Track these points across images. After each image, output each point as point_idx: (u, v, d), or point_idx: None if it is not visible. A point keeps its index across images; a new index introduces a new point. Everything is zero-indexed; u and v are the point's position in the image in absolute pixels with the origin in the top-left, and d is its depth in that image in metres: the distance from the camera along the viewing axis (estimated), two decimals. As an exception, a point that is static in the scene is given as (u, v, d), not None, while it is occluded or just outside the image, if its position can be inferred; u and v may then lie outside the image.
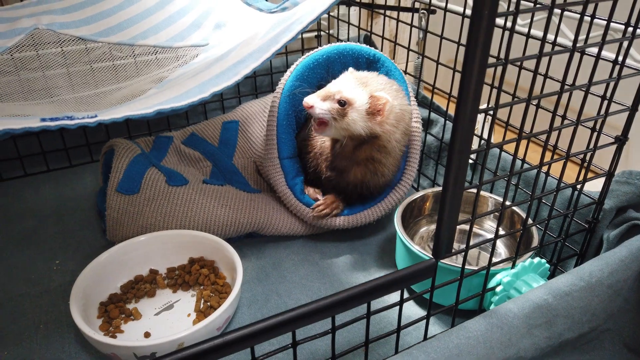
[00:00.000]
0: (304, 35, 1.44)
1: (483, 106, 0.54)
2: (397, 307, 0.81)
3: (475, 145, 1.00)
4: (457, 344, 0.56)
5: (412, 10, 1.13)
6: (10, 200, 1.11)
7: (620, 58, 0.65)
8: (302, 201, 0.93)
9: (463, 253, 0.64)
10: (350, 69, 0.88)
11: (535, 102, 0.72)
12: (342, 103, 0.81)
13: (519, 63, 0.76)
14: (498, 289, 0.71)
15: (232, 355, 0.74)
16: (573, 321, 0.64)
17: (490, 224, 0.93)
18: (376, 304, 0.60)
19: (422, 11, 1.06)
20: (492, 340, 0.57)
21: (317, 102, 0.81)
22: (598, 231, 0.76)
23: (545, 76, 0.77)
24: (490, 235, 0.90)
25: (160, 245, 0.88)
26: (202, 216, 0.90)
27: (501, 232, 0.90)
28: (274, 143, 0.92)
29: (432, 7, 1.10)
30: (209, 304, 0.80)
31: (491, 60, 0.47)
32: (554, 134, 0.71)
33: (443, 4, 0.97)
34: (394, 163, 0.90)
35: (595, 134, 0.70)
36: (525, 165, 0.87)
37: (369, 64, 0.95)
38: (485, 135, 0.96)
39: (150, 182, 0.92)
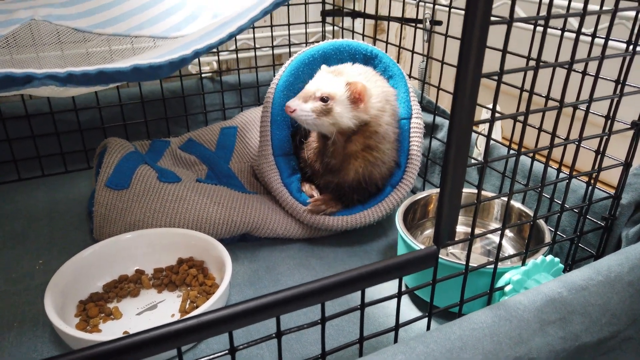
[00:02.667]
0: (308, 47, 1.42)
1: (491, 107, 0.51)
2: (392, 306, 0.77)
3: (482, 147, 0.95)
4: (460, 336, 0.50)
5: (416, 21, 1.11)
6: (0, 203, 1.08)
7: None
8: (299, 200, 0.88)
9: (467, 243, 0.58)
10: (323, 66, 0.87)
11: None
12: (325, 99, 0.79)
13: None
14: (507, 289, 0.65)
15: (210, 346, 0.70)
16: (591, 321, 0.58)
17: (496, 226, 0.87)
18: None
19: (427, 14, 1.04)
20: (500, 334, 0.51)
21: (300, 105, 0.79)
22: (616, 229, 0.70)
23: (554, 65, 0.73)
24: (497, 239, 0.84)
25: (147, 244, 0.83)
26: (194, 214, 0.86)
27: (508, 232, 0.85)
28: (268, 140, 0.88)
29: (436, 20, 1.08)
30: (195, 304, 0.75)
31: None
32: (565, 128, 0.67)
33: (448, 2, 0.94)
34: (391, 147, 0.86)
35: (609, 122, 0.65)
36: (536, 163, 0.82)
37: (366, 60, 0.93)
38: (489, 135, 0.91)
39: (141, 178, 0.88)
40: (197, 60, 1.29)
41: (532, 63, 0.77)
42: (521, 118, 0.55)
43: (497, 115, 0.52)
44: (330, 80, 0.81)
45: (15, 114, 1.14)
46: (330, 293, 0.51)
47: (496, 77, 0.49)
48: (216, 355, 0.48)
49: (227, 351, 0.49)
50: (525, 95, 0.82)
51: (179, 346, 0.46)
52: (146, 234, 0.83)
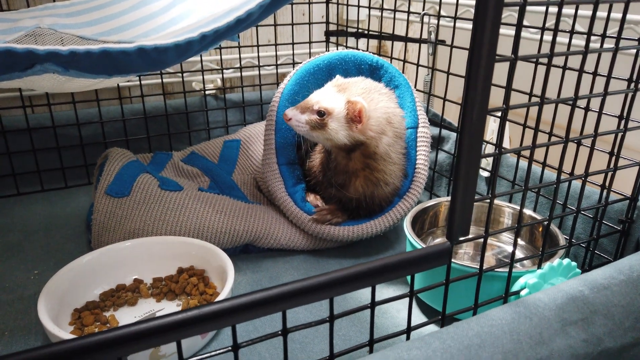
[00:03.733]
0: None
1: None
2: (402, 316, 0.73)
3: (490, 157, 0.94)
4: (478, 333, 0.47)
5: (420, 41, 1.11)
6: (-2, 216, 1.05)
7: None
8: (303, 209, 0.86)
9: (478, 252, 0.56)
10: (338, 76, 0.86)
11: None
12: (321, 113, 0.78)
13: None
14: (523, 293, 0.62)
15: (215, 343, 0.68)
16: (614, 324, 0.55)
17: (508, 235, 0.84)
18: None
19: (431, 26, 1.04)
20: (519, 332, 0.48)
21: (296, 115, 0.79)
22: (634, 233, 0.68)
23: (564, 69, 0.72)
24: (509, 248, 0.81)
25: (146, 252, 0.80)
26: (195, 222, 0.83)
27: (520, 241, 0.82)
28: (272, 148, 0.87)
29: (440, 39, 1.08)
30: (195, 313, 0.71)
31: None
32: (578, 124, 0.65)
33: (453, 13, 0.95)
34: (395, 169, 0.84)
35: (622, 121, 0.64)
36: (546, 171, 0.80)
37: (372, 70, 0.92)
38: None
39: (142, 186, 0.86)
40: (201, 77, 1.29)
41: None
42: (534, 115, 0.53)
43: (506, 123, 0.51)
44: (333, 95, 0.80)
45: (17, 127, 1.13)
46: (339, 287, 0.48)
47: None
48: (219, 351, 0.45)
49: (230, 348, 0.46)
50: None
51: (179, 339, 0.43)
52: (146, 242, 0.81)
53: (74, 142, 1.16)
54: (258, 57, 1.33)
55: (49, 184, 1.16)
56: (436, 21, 1.03)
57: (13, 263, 0.88)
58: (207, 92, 1.31)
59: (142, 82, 1.23)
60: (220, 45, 1.28)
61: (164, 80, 1.29)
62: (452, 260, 0.58)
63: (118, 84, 1.19)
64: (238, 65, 1.34)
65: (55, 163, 1.16)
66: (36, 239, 0.96)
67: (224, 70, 1.32)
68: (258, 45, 1.30)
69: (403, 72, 1.03)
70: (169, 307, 0.74)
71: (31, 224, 1.02)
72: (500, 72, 0.53)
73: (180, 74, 1.26)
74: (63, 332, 0.60)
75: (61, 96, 1.18)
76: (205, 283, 0.77)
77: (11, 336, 0.70)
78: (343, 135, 0.79)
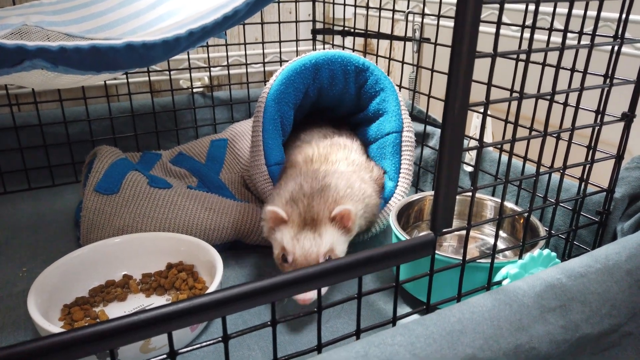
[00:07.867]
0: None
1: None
2: (388, 308, 0.75)
3: (473, 152, 0.96)
4: (459, 319, 0.48)
5: (405, 39, 1.13)
6: (-16, 215, 1.05)
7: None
8: (292, 206, 0.87)
9: (461, 244, 0.58)
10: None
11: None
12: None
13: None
14: (505, 283, 0.64)
15: (204, 336, 0.69)
16: (591, 310, 0.57)
17: (490, 228, 0.86)
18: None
19: (416, 24, 1.06)
20: (500, 318, 0.50)
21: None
22: (610, 224, 0.70)
23: (544, 65, 0.74)
24: (491, 240, 0.83)
25: (136, 248, 0.81)
26: (184, 219, 0.84)
27: (502, 233, 0.84)
28: (260, 149, 0.87)
29: (424, 37, 1.10)
30: (185, 307, 0.72)
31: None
32: (556, 121, 0.67)
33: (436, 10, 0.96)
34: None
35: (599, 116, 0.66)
36: (528, 165, 0.82)
37: (358, 72, 0.93)
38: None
39: (131, 183, 0.86)
40: (188, 75, 1.29)
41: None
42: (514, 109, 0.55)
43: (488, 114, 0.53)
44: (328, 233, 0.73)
45: (4, 125, 1.13)
46: (326, 279, 0.50)
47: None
48: (210, 342, 0.46)
49: (220, 339, 0.47)
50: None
51: (170, 331, 0.44)
52: (135, 238, 0.81)
53: (61, 140, 1.16)
54: (245, 55, 1.34)
55: (36, 182, 1.16)
56: (420, 19, 1.05)
57: (1, 260, 0.88)
58: (194, 90, 1.32)
59: (130, 80, 1.23)
60: (207, 43, 1.29)
61: (152, 78, 1.29)
62: (437, 252, 0.60)
63: (105, 82, 1.19)
64: (225, 63, 1.35)
65: (42, 161, 1.16)
66: (24, 236, 0.97)
67: (212, 68, 1.33)
68: (245, 44, 1.31)
69: (388, 70, 1.05)
70: (158, 302, 0.75)
71: (19, 221, 1.02)
72: (483, 68, 0.55)
73: (167, 72, 1.26)
74: (54, 326, 0.61)
75: (48, 94, 1.18)
76: (195, 278, 0.78)
77: (0, 332, 0.70)
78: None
